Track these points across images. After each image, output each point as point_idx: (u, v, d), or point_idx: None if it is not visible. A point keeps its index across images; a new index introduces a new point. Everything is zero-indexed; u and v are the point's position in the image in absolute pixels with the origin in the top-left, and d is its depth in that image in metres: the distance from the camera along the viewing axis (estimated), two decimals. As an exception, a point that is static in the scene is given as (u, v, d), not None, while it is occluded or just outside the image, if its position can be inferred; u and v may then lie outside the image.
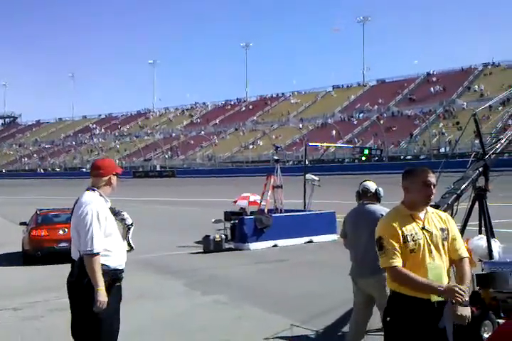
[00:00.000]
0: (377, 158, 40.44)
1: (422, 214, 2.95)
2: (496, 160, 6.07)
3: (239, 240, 11.35)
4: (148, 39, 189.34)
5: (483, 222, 5.42)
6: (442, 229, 2.95)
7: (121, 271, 3.33)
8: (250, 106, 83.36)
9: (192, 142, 73.69)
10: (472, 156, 6.13)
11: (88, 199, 3.25)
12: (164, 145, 73.31)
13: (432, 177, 2.95)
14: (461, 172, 5.78)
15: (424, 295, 2.79)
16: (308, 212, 12.78)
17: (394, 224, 2.87)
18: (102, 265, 3.17)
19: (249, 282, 8.00)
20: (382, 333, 4.22)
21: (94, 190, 3.33)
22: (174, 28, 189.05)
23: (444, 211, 5.29)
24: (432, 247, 2.86)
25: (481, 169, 5.69)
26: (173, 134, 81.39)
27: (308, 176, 13.36)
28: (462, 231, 5.28)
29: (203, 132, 76.07)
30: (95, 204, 3.22)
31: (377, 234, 2.96)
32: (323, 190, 13.92)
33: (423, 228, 2.89)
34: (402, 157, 47.85)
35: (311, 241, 11.95)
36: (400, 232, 2.85)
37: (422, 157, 46.44)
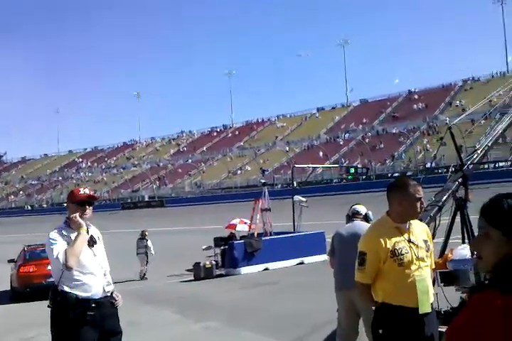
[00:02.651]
0: (364, 177, 40.66)
1: (406, 226, 2.95)
2: (474, 170, 6.18)
3: (229, 265, 11.28)
4: (131, 71, 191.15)
5: (465, 231, 5.47)
6: (425, 241, 2.99)
7: (94, 300, 3.23)
8: (236, 132, 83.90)
9: (180, 170, 73.63)
10: (451, 168, 6.24)
11: (50, 233, 3.33)
12: (152, 175, 73.12)
13: (421, 191, 2.96)
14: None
15: (410, 304, 2.82)
16: (297, 234, 12.77)
17: (380, 239, 2.86)
18: (71, 293, 3.16)
19: (241, 306, 7.93)
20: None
21: (65, 222, 3.37)
22: (157, 59, 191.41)
23: (428, 223, 5.35)
24: (418, 259, 2.89)
25: (460, 180, 5.79)
26: (161, 164, 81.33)
27: (296, 198, 13.43)
28: (446, 241, 5.33)
29: (190, 160, 76.13)
30: (50, 233, 3.30)
31: (362, 247, 2.96)
32: (313, 211, 13.96)
33: (409, 241, 2.90)
34: (389, 174, 48.16)
35: (302, 263, 11.90)
36: (387, 247, 2.84)
37: (408, 173, 46.78)
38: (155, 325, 6.96)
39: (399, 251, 2.84)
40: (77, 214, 3.29)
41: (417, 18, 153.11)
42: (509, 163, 38.47)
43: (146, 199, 66.04)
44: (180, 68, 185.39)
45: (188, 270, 11.59)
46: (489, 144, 6.78)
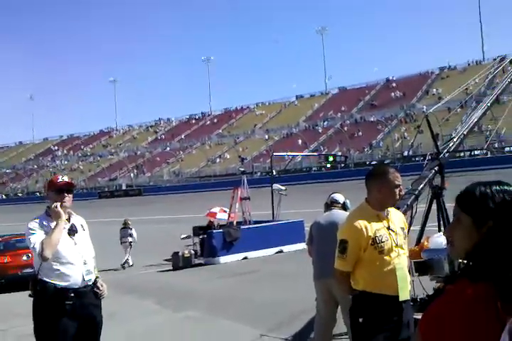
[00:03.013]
0: (343, 165, 40.97)
1: (385, 213, 2.96)
2: (450, 158, 6.24)
3: (208, 254, 11.27)
4: (108, 57, 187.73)
5: (441, 219, 5.54)
6: (402, 228, 3.02)
7: (73, 290, 3.23)
8: (215, 120, 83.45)
9: (158, 159, 73.04)
10: (428, 156, 6.29)
11: (29, 222, 3.30)
12: (129, 163, 72.36)
13: (400, 179, 2.98)
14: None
15: (390, 292, 2.84)
16: (276, 222, 12.79)
17: (361, 227, 2.86)
18: (49, 283, 3.17)
19: (219, 295, 7.94)
20: (348, 336, 4.25)
21: (46, 211, 3.36)
22: (134, 45, 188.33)
23: (404, 212, 5.39)
24: (397, 246, 2.91)
25: (436, 168, 5.84)
26: (138, 152, 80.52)
27: (275, 186, 13.44)
28: (422, 229, 5.39)
29: (168, 148, 75.54)
30: (30, 223, 3.28)
31: (343, 235, 2.95)
32: (292, 200, 14.00)
33: (388, 228, 2.92)
34: (367, 162, 48.61)
35: (281, 251, 11.95)
36: (369, 235, 2.85)
37: (386, 161, 47.30)
38: (133, 316, 6.92)
39: (379, 239, 2.85)
40: (58, 204, 3.26)
41: (396, 6, 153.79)
42: (484, 151, 39.17)
43: (124, 188, 65.42)
44: (157, 54, 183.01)
45: (166, 260, 11.53)
46: (465, 133, 6.86)
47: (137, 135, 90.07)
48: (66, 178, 3.43)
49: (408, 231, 4.58)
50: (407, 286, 2.91)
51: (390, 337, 2.80)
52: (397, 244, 2.91)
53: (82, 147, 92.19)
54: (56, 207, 3.26)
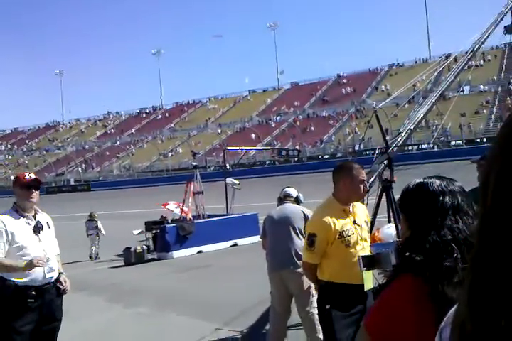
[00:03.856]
0: (296, 159, 41.43)
1: (350, 208, 3.07)
2: (398, 152, 6.43)
3: (162, 249, 11.13)
4: (55, 49, 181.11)
5: (391, 211, 5.70)
6: (366, 222, 3.17)
7: (35, 287, 3.23)
8: (167, 114, 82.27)
9: (107, 153, 71.32)
10: (377, 150, 6.46)
11: None
12: (77, 158, 70.30)
13: (364, 174, 3.12)
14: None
15: (356, 282, 2.96)
16: (230, 216, 12.79)
17: (329, 221, 2.97)
18: (9, 280, 3.16)
19: (172, 291, 7.86)
20: (302, 327, 4.31)
21: (13, 207, 3.40)
22: (81, 37, 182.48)
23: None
24: (362, 239, 3.05)
25: (385, 162, 6.00)
26: (86, 146, 78.31)
27: (229, 180, 13.41)
28: (373, 221, 5.53)
29: (118, 142, 73.86)
30: None
31: (312, 229, 3.05)
32: (246, 193, 14.03)
33: (354, 222, 3.04)
34: (320, 156, 49.38)
35: (235, 245, 11.97)
36: (336, 229, 2.96)
37: (338, 155, 48.20)
38: (83, 314, 6.73)
39: (346, 233, 2.98)
40: (37, 262, 3.15)
41: (346, 5, 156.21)
42: (431, 145, 40.62)
43: (72, 183, 63.56)
44: (105, 47, 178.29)
45: (118, 255, 11.31)
46: (412, 128, 7.10)
47: (85, 129, 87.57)
48: (33, 175, 3.49)
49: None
50: (371, 277, 3.03)
51: (354, 323, 2.91)
52: (362, 237, 3.05)
53: (27, 141, 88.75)
54: (31, 263, 3.15)
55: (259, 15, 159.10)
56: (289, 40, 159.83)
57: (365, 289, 2.98)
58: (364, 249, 3.03)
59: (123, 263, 10.54)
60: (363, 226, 3.09)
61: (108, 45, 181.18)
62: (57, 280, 3.38)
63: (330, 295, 2.97)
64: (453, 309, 0.75)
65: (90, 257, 11.75)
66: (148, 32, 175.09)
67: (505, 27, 13.61)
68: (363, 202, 4.66)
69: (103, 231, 12.10)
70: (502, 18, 12.42)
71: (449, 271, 1.28)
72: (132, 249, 10.64)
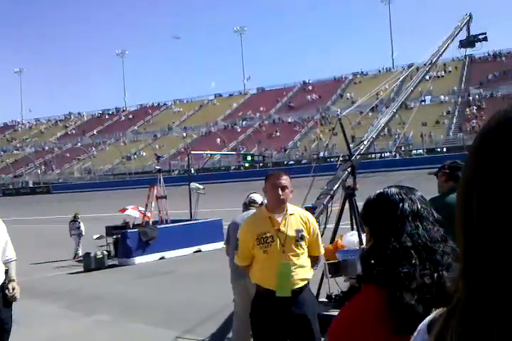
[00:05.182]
0: (261, 164, 41.55)
1: (280, 217, 3.15)
2: (361, 160, 6.52)
3: (123, 255, 10.89)
4: (15, 47, 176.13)
5: (353, 218, 5.76)
6: (298, 231, 3.17)
7: None
8: (130, 116, 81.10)
9: (68, 155, 69.68)
10: (341, 157, 6.54)
11: None
12: (36, 159, 68.32)
13: (283, 180, 3.15)
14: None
15: (272, 287, 3.09)
16: (194, 221, 12.67)
17: (248, 229, 3.18)
18: None
19: (132, 298, 7.69)
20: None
21: None
22: (45, 35, 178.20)
23: (321, 211, 5.55)
24: (286, 248, 3.09)
25: (349, 169, 6.07)
26: (46, 147, 76.23)
27: (193, 184, 13.31)
28: (336, 228, 5.57)
29: (79, 144, 72.31)
30: None
31: (238, 234, 3.30)
32: (211, 198, 13.93)
33: (278, 230, 3.12)
34: (285, 162, 49.68)
35: (199, 251, 11.85)
36: (253, 236, 3.12)
37: (303, 161, 48.62)
38: (38, 322, 6.51)
39: (264, 240, 3.09)
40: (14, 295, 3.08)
41: (315, 13, 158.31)
42: (393, 153, 41.50)
43: (31, 185, 61.70)
44: (68, 44, 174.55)
45: (77, 261, 11.02)
46: (374, 136, 7.21)
47: (45, 129, 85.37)
48: None
49: (323, 231, 4.72)
50: (287, 285, 3.09)
51: (275, 325, 3.08)
52: (283, 245, 3.09)
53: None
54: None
55: (227, 19, 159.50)
56: (256, 45, 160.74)
57: (277, 295, 3.06)
58: (287, 257, 3.09)
59: (82, 269, 10.26)
60: (290, 235, 3.13)
61: (71, 44, 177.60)
62: (5, 287, 3.19)
63: (256, 296, 3.20)
64: (428, 318, 0.74)
65: (75, 256, 11.82)
66: (112, 32, 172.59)
67: (460, 41, 14.06)
68: (312, 214, 4.70)
69: (83, 233, 12.14)
70: (458, 33, 12.84)
71: (407, 277, 1.28)
72: (92, 255, 10.38)
